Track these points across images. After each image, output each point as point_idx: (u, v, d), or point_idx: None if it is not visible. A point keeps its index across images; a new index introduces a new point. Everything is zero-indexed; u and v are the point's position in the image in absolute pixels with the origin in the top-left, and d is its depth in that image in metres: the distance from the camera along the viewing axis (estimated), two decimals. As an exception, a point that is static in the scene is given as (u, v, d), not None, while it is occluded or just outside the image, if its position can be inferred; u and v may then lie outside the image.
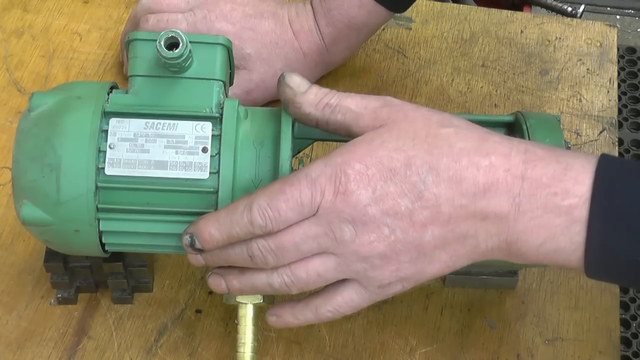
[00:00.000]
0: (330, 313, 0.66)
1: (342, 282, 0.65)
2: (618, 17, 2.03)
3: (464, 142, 0.61)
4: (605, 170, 0.59)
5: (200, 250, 0.65)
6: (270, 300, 0.70)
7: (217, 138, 0.67)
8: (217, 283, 0.67)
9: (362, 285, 0.64)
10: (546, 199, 0.59)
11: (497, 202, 0.60)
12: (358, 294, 0.65)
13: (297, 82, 0.66)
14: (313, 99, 0.65)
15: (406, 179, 0.60)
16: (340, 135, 0.65)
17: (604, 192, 0.59)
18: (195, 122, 0.67)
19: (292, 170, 0.67)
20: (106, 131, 0.66)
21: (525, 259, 0.62)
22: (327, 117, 0.65)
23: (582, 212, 0.59)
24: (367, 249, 0.62)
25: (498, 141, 0.61)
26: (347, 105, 0.64)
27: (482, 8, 1.04)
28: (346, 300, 0.65)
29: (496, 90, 0.96)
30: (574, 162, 0.60)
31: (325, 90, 0.65)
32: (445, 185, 0.60)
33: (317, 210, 0.61)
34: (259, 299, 0.69)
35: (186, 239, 0.65)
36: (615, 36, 1.01)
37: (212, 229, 0.64)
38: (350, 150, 0.62)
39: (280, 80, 0.66)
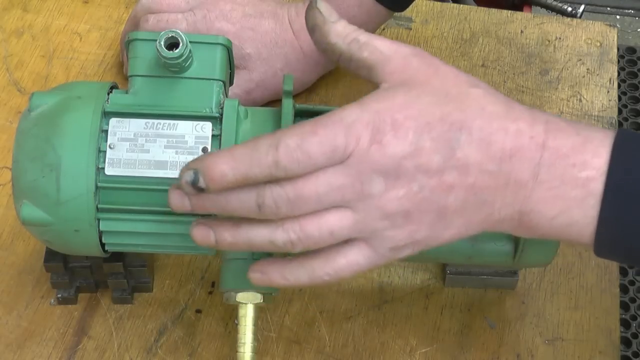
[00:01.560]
0: (328, 276, 0.60)
1: (348, 241, 0.60)
2: (618, 17, 2.02)
3: (494, 105, 0.60)
4: (624, 144, 0.59)
5: (201, 190, 0.57)
6: (271, 301, 0.70)
7: (217, 138, 0.67)
8: (203, 235, 0.60)
9: (372, 247, 0.60)
10: (564, 170, 0.58)
11: (520, 169, 0.59)
12: (364, 256, 0.60)
13: (328, 9, 0.62)
14: (342, 30, 0.62)
15: (442, 135, 0.58)
16: (359, 75, 0.62)
17: (621, 165, 0.58)
18: (195, 122, 0.67)
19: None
20: (106, 131, 0.66)
21: (535, 232, 0.61)
22: (353, 51, 0.61)
23: (597, 185, 0.58)
24: (393, 205, 0.58)
25: (522, 109, 0.61)
26: (376, 46, 0.61)
27: (482, 8, 1.04)
28: (350, 262, 0.60)
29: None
30: (593, 135, 0.60)
31: (354, 26, 0.62)
32: (476, 146, 0.58)
33: (348, 158, 0.57)
34: (259, 299, 0.69)
35: (188, 175, 0.57)
36: (615, 36, 1.01)
37: (225, 167, 0.56)
38: (388, 98, 0.59)
39: (311, 3, 0.62)
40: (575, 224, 0.59)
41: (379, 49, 0.61)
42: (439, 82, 0.60)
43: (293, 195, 0.57)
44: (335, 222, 0.58)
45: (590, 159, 0.59)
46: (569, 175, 0.59)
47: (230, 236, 0.60)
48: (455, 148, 0.58)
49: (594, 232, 0.59)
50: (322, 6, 0.62)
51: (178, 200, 0.60)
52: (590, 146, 0.59)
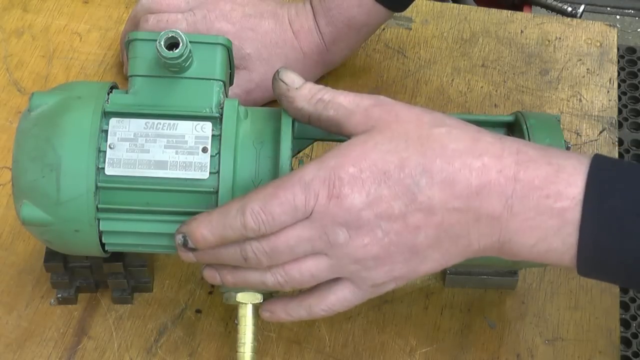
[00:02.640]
0: (324, 312, 0.66)
1: (335, 280, 0.65)
2: (618, 17, 2.03)
3: (457, 142, 0.61)
4: (598, 171, 0.59)
5: (193, 250, 0.65)
6: (270, 301, 0.70)
7: (217, 138, 0.67)
8: (211, 275, 0.68)
9: (356, 285, 0.65)
10: (538, 201, 0.59)
11: (490, 204, 0.60)
12: (352, 292, 0.65)
13: (291, 78, 0.66)
14: (306, 93, 0.65)
15: (400, 182, 0.60)
16: (331, 132, 0.65)
17: (596, 194, 0.59)
18: (195, 122, 0.67)
19: (292, 170, 0.67)
20: (106, 131, 0.66)
21: (518, 258, 0.62)
22: (320, 112, 0.64)
23: (574, 214, 0.59)
24: (360, 252, 0.62)
25: (490, 141, 0.61)
26: (340, 102, 0.64)
27: (482, 8, 1.04)
28: (340, 299, 0.65)
29: (496, 90, 0.96)
30: (565, 163, 0.60)
31: (319, 86, 0.65)
32: (438, 188, 0.60)
33: (310, 214, 0.61)
34: (258, 299, 0.69)
35: (179, 239, 0.65)
36: (615, 36, 1.01)
37: (204, 231, 0.64)
38: (344, 153, 0.62)
39: (275, 75, 0.66)
40: (555, 250, 0.60)
41: (342, 104, 0.64)
42: (400, 128, 0.62)
43: (269, 249, 0.63)
44: (313, 266, 0.64)
45: (564, 189, 0.59)
46: (543, 206, 0.59)
47: (232, 278, 0.67)
48: (416, 192, 0.60)
49: (574, 257, 0.60)
50: (285, 76, 0.66)
51: (184, 255, 0.67)
52: (564, 175, 0.59)
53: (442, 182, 0.60)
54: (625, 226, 0.58)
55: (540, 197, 0.59)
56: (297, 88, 0.65)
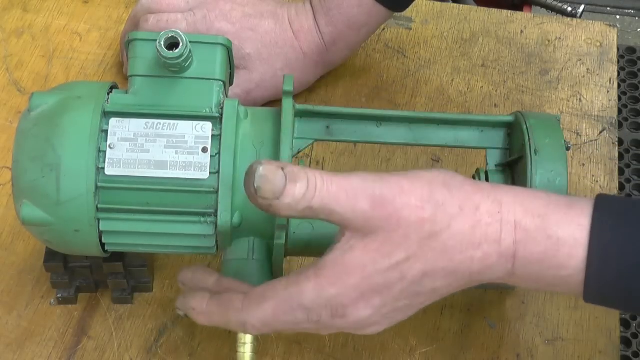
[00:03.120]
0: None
1: None
2: (618, 17, 2.03)
3: (457, 237, 0.60)
4: (600, 237, 0.59)
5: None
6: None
7: (217, 138, 0.67)
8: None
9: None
10: (540, 271, 0.60)
11: (492, 277, 0.61)
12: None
13: (268, 189, 0.57)
14: (290, 202, 0.58)
15: (403, 290, 0.61)
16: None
17: (599, 260, 0.59)
18: (195, 122, 0.67)
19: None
20: (106, 131, 0.66)
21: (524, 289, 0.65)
22: (310, 216, 0.59)
23: (578, 278, 0.60)
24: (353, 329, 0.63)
25: (489, 222, 0.60)
26: (332, 209, 0.58)
27: (482, 8, 1.04)
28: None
29: (496, 90, 0.96)
30: (565, 233, 0.59)
31: (302, 185, 0.58)
32: (441, 280, 0.61)
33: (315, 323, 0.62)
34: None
35: (181, 313, 0.67)
36: (615, 36, 1.01)
37: (202, 319, 0.66)
38: (343, 279, 0.60)
39: (249, 184, 0.58)
40: (562, 292, 0.64)
41: (335, 211, 0.59)
42: (400, 236, 0.60)
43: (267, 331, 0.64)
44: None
45: (566, 261, 0.60)
46: (545, 274, 0.60)
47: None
48: (419, 291, 0.61)
49: (581, 295, 0.61)
50: (261, 189, 0.57)
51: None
52: (564, 249, 0.59)
53: (445, 276, 0.61)
54: (632, 285, 0.59)
55: (541, 269, 0.60)
56: (277, 199, 0.58)
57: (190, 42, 0.66)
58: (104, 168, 0.66)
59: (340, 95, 0.95)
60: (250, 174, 0.58)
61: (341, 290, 0.60)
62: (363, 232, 0.60)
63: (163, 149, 0.66)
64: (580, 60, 0.99)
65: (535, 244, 0.60)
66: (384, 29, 1.00)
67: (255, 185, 0.57)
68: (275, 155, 0.67)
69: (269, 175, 0.57)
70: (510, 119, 0.74)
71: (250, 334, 0.66)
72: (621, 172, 1.54)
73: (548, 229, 0.60)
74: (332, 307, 0.61)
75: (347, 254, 0.60)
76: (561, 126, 0.73)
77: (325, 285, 0.60)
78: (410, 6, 0.93)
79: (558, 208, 0.60)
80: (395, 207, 0.59)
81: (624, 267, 0.58)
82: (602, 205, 0.60)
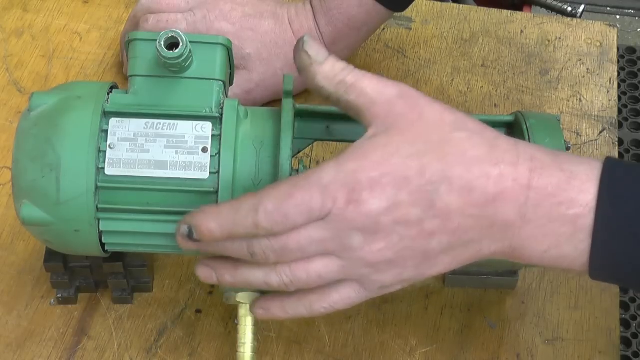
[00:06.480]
0: (325, 309, 0.65)
1: (339, 280, 0.64)
2: (618, 17, 2.03)
3: (476, 149, 0.60)
4: (610, 177, 0.59)
5: (197, 241, 0.63)
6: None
7: (217, 138, 0.67)
8: (206, 275, 0.65)
9: (362, 285, 0.64)
10: (551, 208, 0.59)
11: (504, 211, 0.60)
12: (356, 292, 0.64)
13: (315, 50, 0.62)
14: (329, 71, 0.62)
15: (420, 188, 0.59)
16: (349, 114, 0.63)
17: (609, 200, 0.58)
18: (195, 122, 0.67)
19: (292, 170, 0.67)
20: (106, 131, 0.66)
21: (529, 263, 0.62)
22: (340, 94, 0.62)
23: (587, 220, 0.59)
24: (374, 257, 0.61)
25: (507, 148, 0.61)
26: (363, 87, 0.61)
27: (482, 8, 1.04)
28: (343, 297, 0.64)
29: (496, 90, 0.96)
30: (578, 170, 0.60)
31: (342, 64, 0.62)
32: (457, 195, 0.59)
33: (326, 216, 0.60)
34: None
35: (184, 229, 0.62)
36: (615, 36, 1.01)
37: (212, 225, 0.61)
38: (365, 156, 0.60)
39: (299, 44, 0.62)
40: (567, 256, 0.60)
41: (365, 91, 0.61)
42: (422, 129, 0.60)
43: (278, 247, 0.61)
44: (322, 267, 0.62)
45: (576, 195, 0.59)
46: (556, 214, 0.59)
47: (230, 277, 0.64)
48: (434, 199, 0.59)
49: (586, 262, 0.60)
50: (310, 47, 0.62)
51: (185, 244, 0.63)
52: (576, 182, 0.59)
53: (461, 189, 0.59)
54: (638, 232, 0.58)
55: (552, 204, 0.59)
56: (320, 62, 0.62)
57: (190, 42, 0.66)
58: (104, 168, 0.66)
59: (340, 95, 0.94)
60: (300, 41, 0.62)
61: (361, 164, 0.59)
62: (386, 124, 0.60)
63: (163, 149, 0.66)
64: (580, 60, 0.99)
65: (549, 174, 0.59)
66: (384, 29, 1.00)
67: (305, 39, 0.61)
68: (275, 156, 0.67)
69: (317, 43, 0.62)
70: (510, 118, 0.74)
71: (260, 226, 0.60)
72: (621, 172, 1.54)
73: (561, 164, 0.60)
74: (349, 185, 0.59)
75: (369, 140, 0.61)
76: (561, 126, 0.73)
77: (344, 162, 0.60)
78: (410, 6, 0.93)
79: (569, 155, 0.62)
80: (419, 103, 0.61)
81: (635, 209, 0.58)
82: (611, 160, 0.61)
